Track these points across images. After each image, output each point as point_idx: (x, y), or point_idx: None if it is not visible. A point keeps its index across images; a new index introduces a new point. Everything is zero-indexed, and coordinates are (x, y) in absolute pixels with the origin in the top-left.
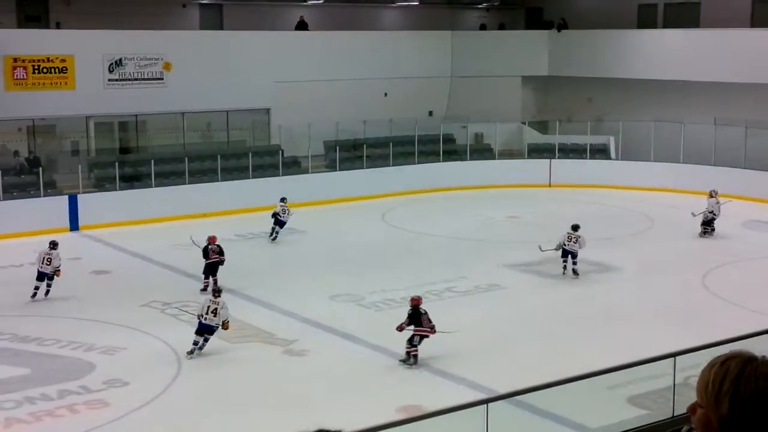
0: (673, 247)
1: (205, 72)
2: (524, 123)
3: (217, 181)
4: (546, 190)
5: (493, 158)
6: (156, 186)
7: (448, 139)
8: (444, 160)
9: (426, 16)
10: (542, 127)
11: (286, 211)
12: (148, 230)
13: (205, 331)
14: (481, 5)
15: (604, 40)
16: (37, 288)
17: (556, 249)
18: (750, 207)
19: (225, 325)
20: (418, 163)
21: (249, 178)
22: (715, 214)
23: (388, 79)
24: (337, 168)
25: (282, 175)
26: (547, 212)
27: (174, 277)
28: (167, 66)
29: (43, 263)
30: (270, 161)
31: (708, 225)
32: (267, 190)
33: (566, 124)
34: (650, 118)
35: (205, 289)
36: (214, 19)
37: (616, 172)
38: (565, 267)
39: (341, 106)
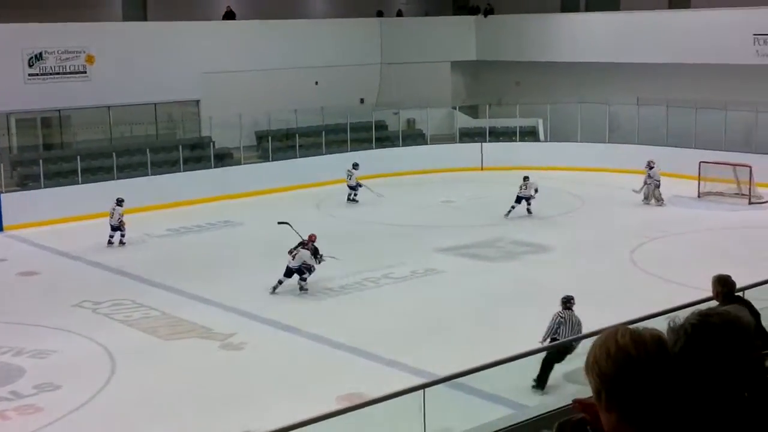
0: (602, 224)
1: (130, 64)
2: (455, 108)
3: (147, 175)
4: (478, 174)
5: (426, 144)
6: (83, 183)
7: (380, 126)
8: (377, 147)
9: (354, 3)
10: (472, 111)
11: (352, 176)
12: (76, 228)
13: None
14: None
15: (529, 24)
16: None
17: (513, 207)
18: (673, 183)
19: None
20: (351, 150)
21: (180, 171)
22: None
23: (318, 68)
24: (270, 158)
25: (214, 167)
26: (480, 195)
27: (105, 276)
28: (90, 59)
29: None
30: (201, 154)
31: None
32: (198, 183)
33: (496, 107)
34: (576, 100)
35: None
36: (137, 9)
37: (546, 153)
38: (528, 210)
39: (272, 96)
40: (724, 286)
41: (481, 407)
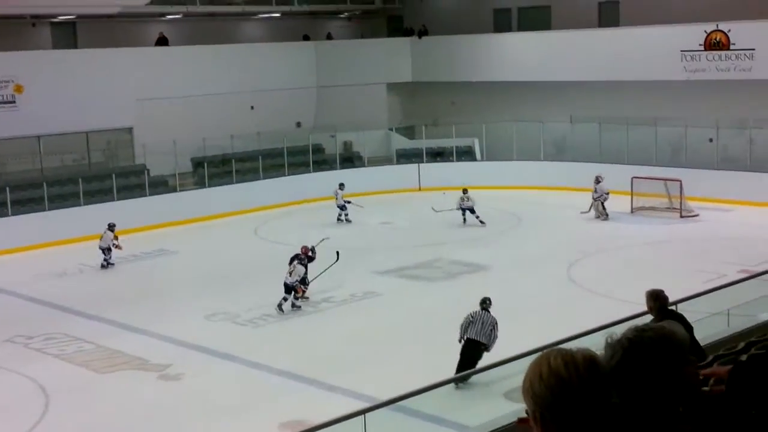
0: (540, 242)
1: (60, 92)
2: (391, 129)
3: (80, 205)
4: (416, 194)
5: (363, 166)
6: (13, 214)
7: (318, 150)
8: (314, 171)
9: (288, 27)
10: (409, 132)
11: (338, 196)
12: (6, 261)
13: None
14: (343, 15)
15: (463, 45)
16: None
17: (451, 210)
18: (610, 200)
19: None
20: (289, 174)
21: (114, 200)
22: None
23: (253, 92)
24: (206, 184)
25: (149, 195)
26: (418, 216)
27: (38, 309)
28: (18, 88)
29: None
30: (136, 181)
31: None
32: (133, 211)
33: (432, 128)
34: (511, 119)
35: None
36: (67, 37)
37: (482, 172)
38: (464, 219)
39: (207, 122)
40: (656, 300)
41: (423, 429)
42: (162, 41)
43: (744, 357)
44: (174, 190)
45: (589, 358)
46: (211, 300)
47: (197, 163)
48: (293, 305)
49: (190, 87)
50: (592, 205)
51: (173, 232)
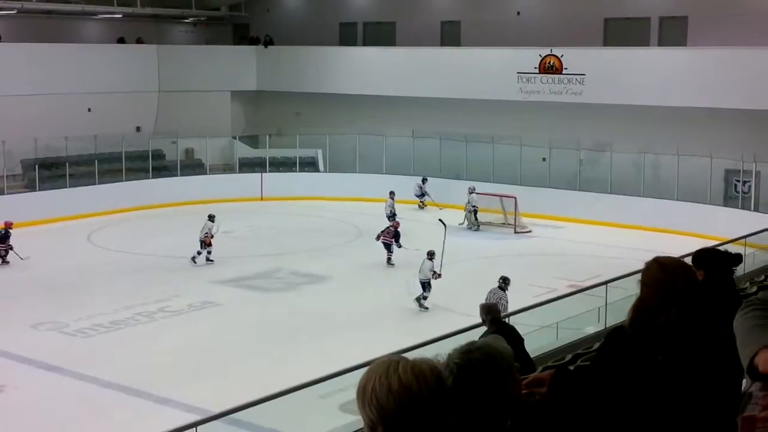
0: (379, 254)
1: None
2: (235, 137)
3: None
4: (259, 204)
5: (205, 173)
6: None
7: (158, 155)
8: (154, 177)
9: (130, 29)
10: (252, 141)
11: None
12: None
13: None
14: (188, 20)
15: (308, 56)
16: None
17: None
18: (446, 213)
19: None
20: (127, 180)
21: None
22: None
23: (91, 94)
24: (37, 188)
25: None
26: (260, 226)
27: None
28: None
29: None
30: None
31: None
32: None
33: (276, 138)
34: (355, 131)
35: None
36: None
37: (325, 184)
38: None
39: (40, 123)
40: (488, 313)
41: None
42: None
43: (571, 368)
44: (2, 192)
45: (436, 370)
46: (38, 309)
47: (28, 165)
48: (421, 305)
49: (23, 85)
50: (465, 217)
51: None
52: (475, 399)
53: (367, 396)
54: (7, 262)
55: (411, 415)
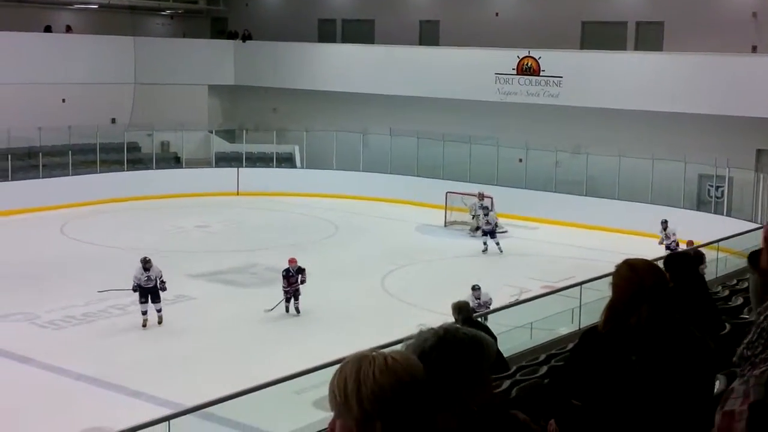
0: (356, 252)
1: None
2: (211, 132)
3: None
4: (234, 198)
5: (181, 167)
6: None
7: (133, 148)
8: (128, 169)
9: (106, 20)
10: (229, 135)
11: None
12: None
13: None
14: (165, 12)
15: (287, 52)
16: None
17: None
18: (421, 212)
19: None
20: (101, 172)
21: None
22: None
23: (66, 85)
24: (10, 178)
25: None
26: (236, 220)
27: None
28: None
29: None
30: None
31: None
32: None
33: (253, 133)
34: (333, 128)
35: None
36: None
37: (302, 180)
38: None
39: (12, 112)
40: (460, 312)
41: None
42: None
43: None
44: None
45: (407, 361)
46: (8, 299)
47: (1, 155)
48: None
49: None
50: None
51: None
52: (450, 368)
53: (339, 394)
54: None
55: (389, 412)
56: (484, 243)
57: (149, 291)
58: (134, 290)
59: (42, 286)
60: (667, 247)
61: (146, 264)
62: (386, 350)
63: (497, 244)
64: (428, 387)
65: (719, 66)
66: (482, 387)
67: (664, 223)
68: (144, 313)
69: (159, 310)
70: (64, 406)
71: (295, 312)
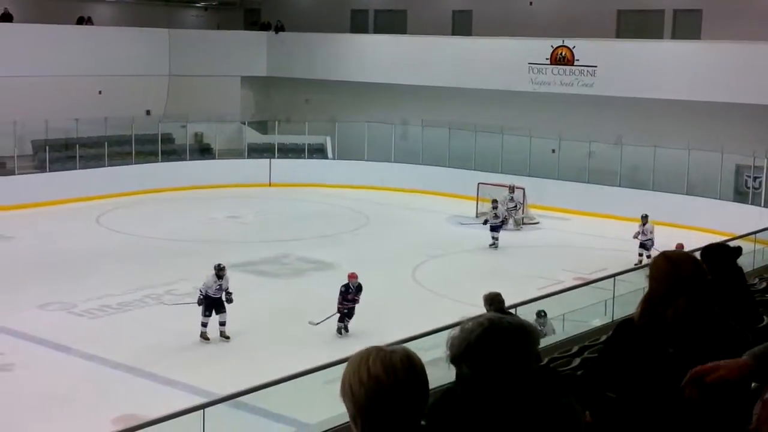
0: (387, 243)
1: None
2: (244, 123)
3: None
4: (266, 189)
5: (214, 158)
6: None
7: (167, 139)
8: (163, 161)
9: (142, 12)
10: (262, 127)
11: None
12: None
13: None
14: (199, 4)
15: (319, 43)
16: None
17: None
18: (452, 203)
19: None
20: (136, 163)
21: None
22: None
23: (102, 77)
24: (47, 169)
25: None
26: (267, 211)
27: None
28: None
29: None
30: None
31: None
32: None
33: (285, 124)
34: (364, 119)
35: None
36: None
37: (333, 171)
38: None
39: (51, 104)
40: (492, 304)
41: (262, 426)
42: (6, 17)
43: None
44: (12, 173)
45: (406, 357)
46: (45, 289)
47: (38, 146)
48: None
49: (35, 67)
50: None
51: (9, 216)
52: (497, 356)
53: (345, 387)
54: None
55: (381, 406)
56: (493, 238)
57: (216, 302)
58: (199, 303)
59: (78, 276)
60: (642, 244)
61: (220, 271)
62: (422, 343)
63: (494, 238)
64: (426, 387)
65: (758, 54)
66: (529, 373)
67: (644, 218)
68: (204, 325)
69: (223, 323)
70: (98, 393)
71: (345, 331)
